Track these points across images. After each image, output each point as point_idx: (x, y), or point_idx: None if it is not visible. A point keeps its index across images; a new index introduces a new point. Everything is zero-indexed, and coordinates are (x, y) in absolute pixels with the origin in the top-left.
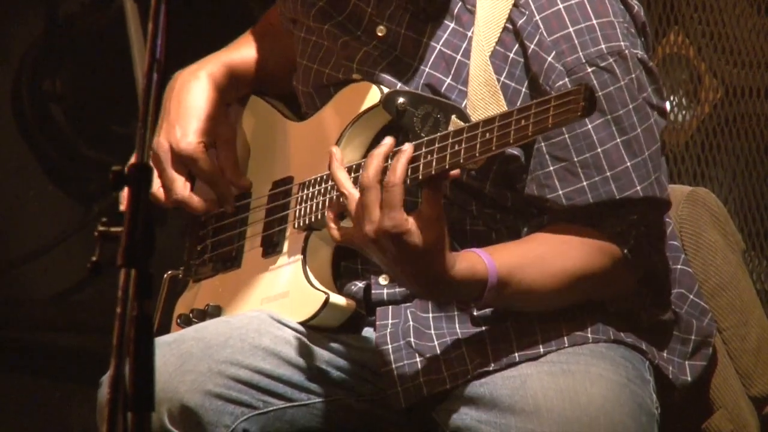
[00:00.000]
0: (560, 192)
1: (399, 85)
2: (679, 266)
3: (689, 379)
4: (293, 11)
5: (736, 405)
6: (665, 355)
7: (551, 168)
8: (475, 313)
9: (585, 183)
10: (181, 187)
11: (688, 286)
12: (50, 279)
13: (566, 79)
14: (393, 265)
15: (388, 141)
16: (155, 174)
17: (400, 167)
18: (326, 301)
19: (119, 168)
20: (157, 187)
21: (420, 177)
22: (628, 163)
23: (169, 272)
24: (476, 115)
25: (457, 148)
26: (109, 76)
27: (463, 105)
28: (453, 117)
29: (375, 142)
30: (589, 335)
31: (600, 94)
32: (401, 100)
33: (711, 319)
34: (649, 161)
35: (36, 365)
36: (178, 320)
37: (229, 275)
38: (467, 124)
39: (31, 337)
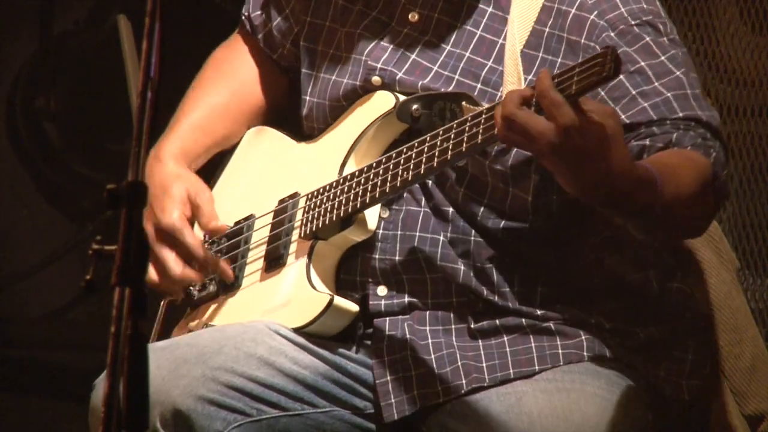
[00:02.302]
0: (647, 104)
1: (419, 83)
2: (675, 284)
3: (686, 398)
4: (330, 18)
5: (731, 424)
6: (661, 374)
7: (634, 91)
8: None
9: (669, 94)
10: (174, 263)
11: (684, 304)
12: (44, 297)
13: (611, 33)
14: (590, 157)
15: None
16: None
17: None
18: (330, 302)
19: (113, 186)
20: (150, 271)
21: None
22: (693, 91)
23: (168, 298)
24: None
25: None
26: (103, 94)
27: (501, 86)
28: (463, 103)
29: (391, 148)
30: (585, 353)
31: (649, 40)
32: (415, 106)
33: (706, 338)
34: (700, 98)
35: (30, 383)
36: None
37: (228, 296)
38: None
39: (25, 355)
